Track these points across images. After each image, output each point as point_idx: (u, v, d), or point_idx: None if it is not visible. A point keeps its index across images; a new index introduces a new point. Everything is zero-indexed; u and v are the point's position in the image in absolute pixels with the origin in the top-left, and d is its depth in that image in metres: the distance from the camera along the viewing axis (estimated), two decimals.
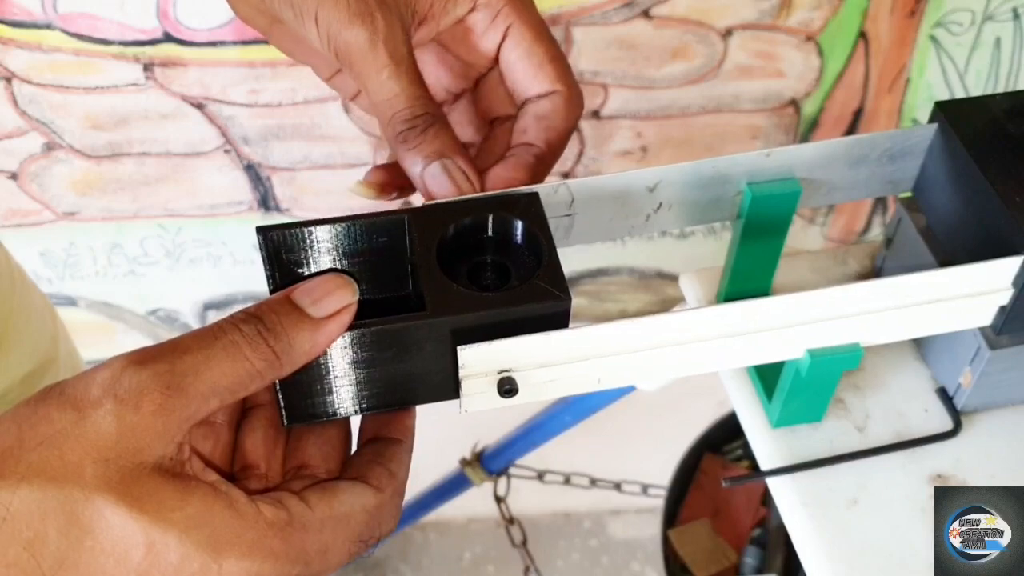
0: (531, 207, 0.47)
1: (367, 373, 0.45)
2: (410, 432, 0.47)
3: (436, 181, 0.47)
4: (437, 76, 0.54)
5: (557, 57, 0.50)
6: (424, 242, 0.45)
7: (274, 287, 0.48)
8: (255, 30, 0.51)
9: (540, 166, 0.49)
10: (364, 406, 0.46)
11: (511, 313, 0.43)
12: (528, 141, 0.50)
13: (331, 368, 0.44)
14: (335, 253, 0.47)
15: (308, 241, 0.47)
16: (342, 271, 0.45)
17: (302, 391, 0.45)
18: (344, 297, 0.42)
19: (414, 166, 0.47)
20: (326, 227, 0.46)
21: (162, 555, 0.36)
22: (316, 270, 0.48)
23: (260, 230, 0.47)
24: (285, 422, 0.45)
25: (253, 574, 0.38)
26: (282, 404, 0.45)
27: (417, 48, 0.49)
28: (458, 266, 0.47)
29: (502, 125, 0.52)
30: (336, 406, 0.46)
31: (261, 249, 0.47)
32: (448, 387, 0.46)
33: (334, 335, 0.42)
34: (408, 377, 0.45)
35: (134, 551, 0.36)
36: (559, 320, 0.44)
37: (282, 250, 0.47)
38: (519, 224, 0.47)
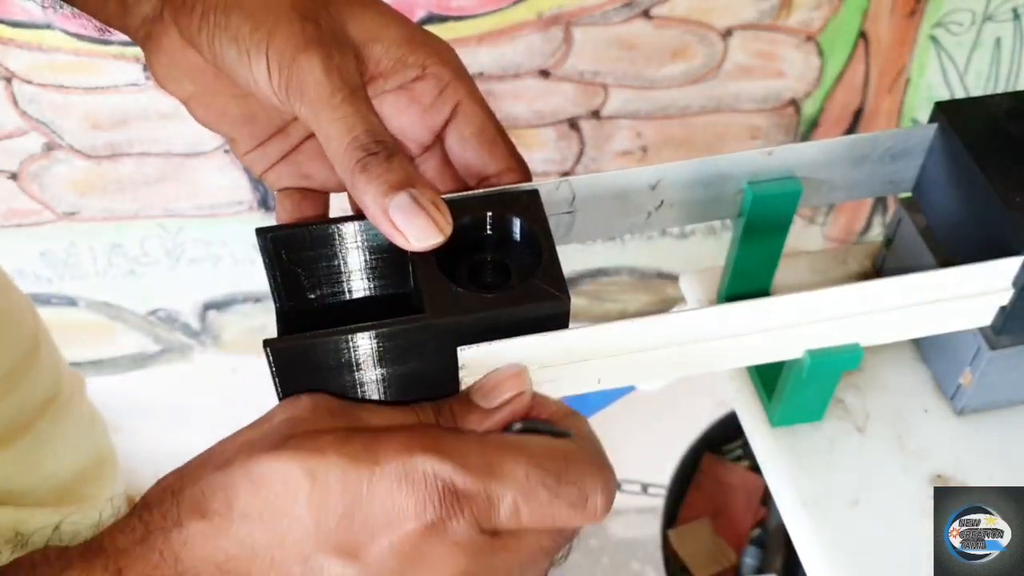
0: (531, 205, 0.47)
1: (368, 375, 0.45)
2: (568, 408, 0.45)
3: (405, 213, 0.42)
4: None
5: (504, 133, 0.49)
6: None
7: (275, 288, 0.48)
8: (173, 96, 0.49)
9: None
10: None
11: (510, 314, 0.43)
12: None
13: (333, 370, 0.44)
14: (335, 252, 0.47)
15: (308, 241, 0.47)
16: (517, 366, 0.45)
17: (304, 392, 0.45)
18: (515, 386, 0.43)
19: (377, 198, 0.42)
20: (325, 227, 0.46)
21: (322, 483, 0.38)
22: (318, 270, 0.48)
23: (260, 232, 0.47)
24: None
25: (406, 472, 0.38)
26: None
27: None
28: (458, 265, 0.46)
29: None
30: None
31: (261, 251, 0.47)
32: (450, 387, 0.46)
33: (503, 422, 0.43)
34: (409, 378, 0.45)
35: (301, 484, 0.38)
36: (558, 320, 0.44)
37: (282, 251, 0.47)
38: (518, 222, 0.47)
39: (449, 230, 0.43)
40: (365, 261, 0.48)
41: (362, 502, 0.38)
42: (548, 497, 0.40)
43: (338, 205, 0.53)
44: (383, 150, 0.43)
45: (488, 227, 0.47)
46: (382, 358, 0.44)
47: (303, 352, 0.44)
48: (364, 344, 0.43)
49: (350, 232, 0.47)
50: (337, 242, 0.47)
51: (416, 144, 0.50)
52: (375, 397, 0.46)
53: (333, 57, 0.44)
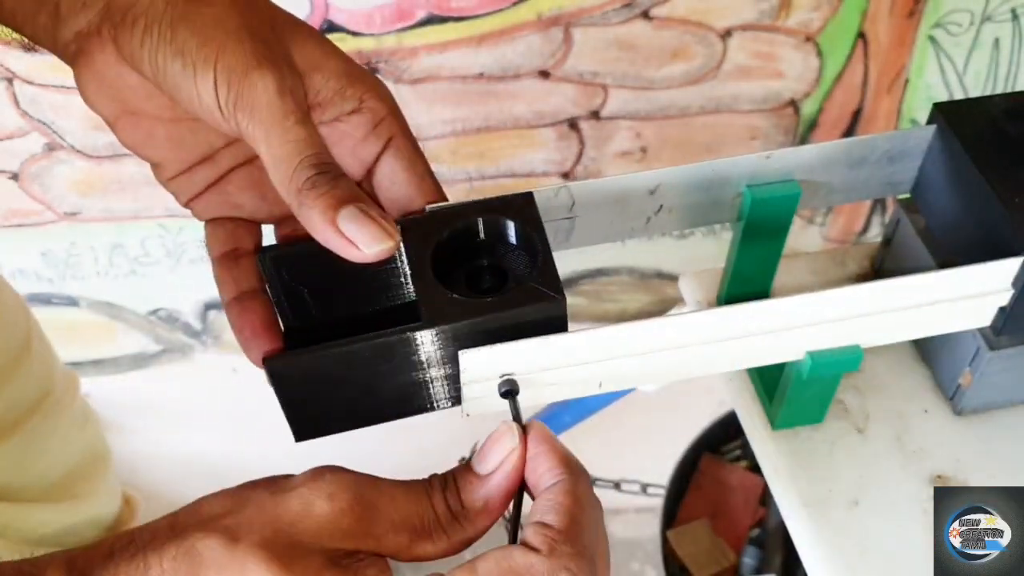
0: (525, 208, 0.47)
1: (369, 386, 0.45)
2: (565, 466, 0.42)
3: (355, 222, 0.43)
4: None
5: (430, 170, 0.49)
6: (419, 250, 0.45)
7: (280, 307, 0.48)
8: (100, 117, 0.48)
9: None
10: (372, 417, 0.46)
11: (507, 317, 0.43)
12: None
13: (333, 384, 0.44)
14: (336, 268, 0.47)
15: (308, 259, 0.47)
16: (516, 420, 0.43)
17: (305, 406, 0.45)
18: (504, 445, 0.42)
19: (326, 211, 0.43)
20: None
21: None
22: (320, 286, 0.48)
23: (259, 253, 0.47)
24: (295, 439, 0.46)
25: None
26: (289, 420, 0.45)
27: None
28: (456, 272, 0.47)
29: None
30: (342, 421, 0.46)
31: (263, 272, 0.48)
32: (451, 393, 0.46)
33: (501, 485, 0.42)
34: (412, 386, 0.45)
35: None
36: (556, 321, 0.44)
37: (283, 271, 0.48)
38: (513, 226, 0.47)
39: (398, 238, 0.43)
40: (366, 275, 0.48)
41: None
42: None
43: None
44: (330, 171, 0.43)
45: (484, 233, 0.47)
46: (382, 368, 0.44)
47: (301, 368, 0.44)
48: (362, 356, 0.43)
49: None
50: (336, 258, 0.47)
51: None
52: (379, 406, 0.46)
53: (286, 79, 0.44)
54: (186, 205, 0.51)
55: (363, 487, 0.40)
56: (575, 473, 0.42)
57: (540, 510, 0.41)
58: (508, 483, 0.42)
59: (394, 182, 0.49)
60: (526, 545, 0.40)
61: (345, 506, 0.39)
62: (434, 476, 0.43)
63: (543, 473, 0.42)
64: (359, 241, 0.43)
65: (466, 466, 0.43)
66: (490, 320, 0.43)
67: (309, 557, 0.38)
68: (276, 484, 0.40)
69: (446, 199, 0.49)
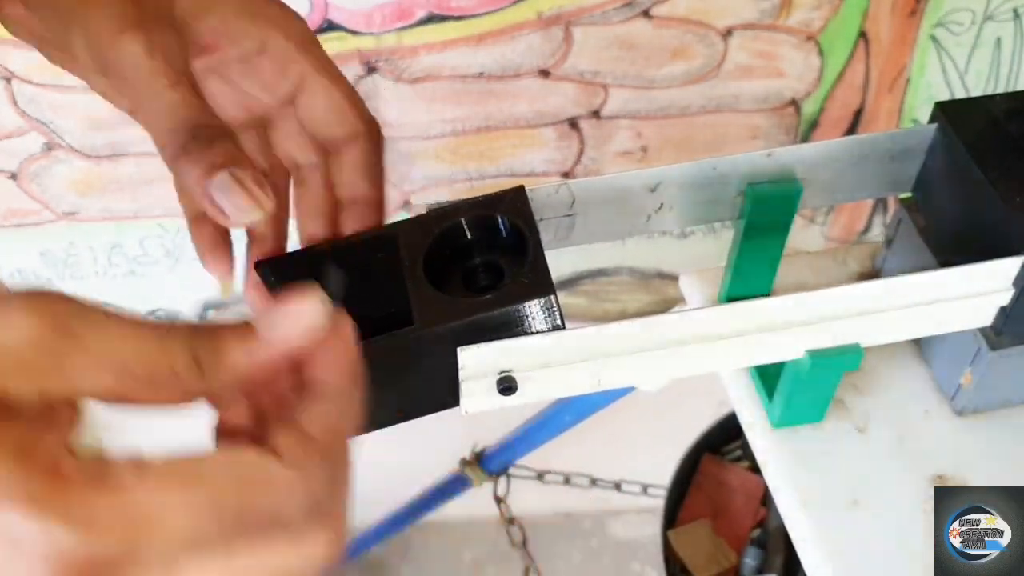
0: (516, 202, 0.47)
1: (370, 391, 0.45)
2: (339, 368, 0.35)
3: (225, 193, 0.40)
4: (219, 108, 0.48)
5: (352, 95, 0.48)
6: (411, 253, 0.45)
7: None
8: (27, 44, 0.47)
9: (380, 210, 0.49)
10: (384, 421, 0.46)
11: (496, 315, 0.43)
12: (361, 194, 0.49)
13: None
14: (334, 274, 0.46)
15: (307, 267, 0.47)
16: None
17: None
18: (302, 322, 0.34)
19: (198, 180, 0.40)
20: (322, 249, 0.46)
21: None
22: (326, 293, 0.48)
23: (258, 266, 0.47)
24: None
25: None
26: None
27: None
28: (452, 272, 0.46)
29: (312, 173, 0.50)
30: None
31: (264, 284, 0.48)
32: (452, 394, 0.46)
33: (278, 366, 0.34)
34: (414, 388, 0.45)
35: None
36: (548, 314, 0.44)
37: (283, 281, 0.48)
38: (502, 221, 0.47)
39: (270, 206, 0.41)
40: (366, 280, 0.48)
41: None
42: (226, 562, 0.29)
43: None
44: (206, 133, 0.41)
45: (474, 231, 0.47)
46: (379, 374, 0.44)
47: None
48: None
49: (348, 253, 0.47)
50: (335, 264, 0.46)
51: (262, 114, 0.49)
52: (382, 412, 0.46)
53: (155, 40, 0.42)
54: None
55: (70, 314, 0.30)
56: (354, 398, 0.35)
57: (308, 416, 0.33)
58: (284, 367, 0.34)
59: (313, 117, 0.48)
60: (271, 450, 0.31)
61: (34, 334, 0.29)
62: (183, 321, 0.33)
63: (330, 365, 0.34)
64: (228, 210, 0.41)
65: (244, 324, 0.33)
66: (482, 319, 0.43)
67: None
68: None
69: (373, 124, 0.48)
